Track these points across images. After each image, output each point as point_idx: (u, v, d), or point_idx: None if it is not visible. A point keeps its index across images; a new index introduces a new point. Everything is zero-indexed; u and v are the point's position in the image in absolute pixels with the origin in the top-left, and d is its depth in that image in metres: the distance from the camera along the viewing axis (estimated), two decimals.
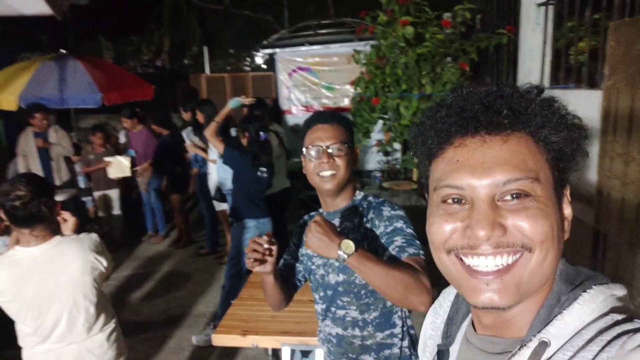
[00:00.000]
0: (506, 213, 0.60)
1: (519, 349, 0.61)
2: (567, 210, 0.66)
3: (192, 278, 4.86)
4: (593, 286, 0.61)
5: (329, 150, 1.50)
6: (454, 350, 0.75)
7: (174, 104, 9.07)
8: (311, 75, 8.26)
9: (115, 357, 2.11)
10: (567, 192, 0.66)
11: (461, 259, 0.62)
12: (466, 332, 0.74)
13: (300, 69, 8.26)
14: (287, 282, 1.68)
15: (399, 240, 1.44)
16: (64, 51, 5.79)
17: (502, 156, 0.60)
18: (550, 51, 3.61)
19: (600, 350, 0.54)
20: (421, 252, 1.42)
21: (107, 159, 5.51)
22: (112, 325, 2.13)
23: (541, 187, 0.60)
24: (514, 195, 0.60)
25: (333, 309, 1.60)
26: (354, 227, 1.56)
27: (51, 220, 1.92)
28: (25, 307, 1.90)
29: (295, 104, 8.38)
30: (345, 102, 7.67)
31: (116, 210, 5.82)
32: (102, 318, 2.06)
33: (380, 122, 4.94)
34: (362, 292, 1.53)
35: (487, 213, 0.59)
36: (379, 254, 1.44)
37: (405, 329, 1.59)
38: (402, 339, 1.57)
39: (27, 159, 5.35)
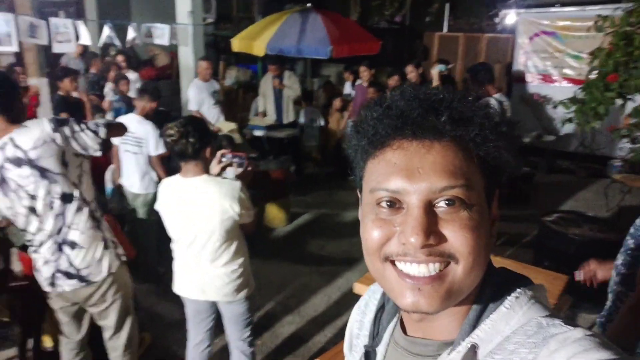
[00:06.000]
0: (440, 221, 0.60)
1: (449, 354, 0.62)
2: (495, 212, 0.66)
3: None
4: (518, 290, 0.63)
5: None
6: (380, 351, 0.74)
7: (410, 60, 9.21)
8: (556, 41, 7.31)
9: (233, 291, 2.34)
10: (496, 195, 0.66)
11: (394, 264, 0.62)
12: (394, 333, 0.73)
13: (545, 32, 7.38)
14: None
15: None
16: (309, 5, 6.42)
17: (440, 162, 0.60)
18: None
19: (528, 353, 0.57)
20: None
21: None
22: (237, 263, 2.34)
23: (476, 194, 0.61)
24: (449, 203, 0.59)
25: None
26: None
27: (200, 158, 2.21)
28: (174, 223, 2.31)
29: (531, 71, 7.60)
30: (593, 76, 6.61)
31: None
32: (225, 255, 2.30)
33: (619, 102, 4.17)
34: None
35: (422, 220, 0.59)
36: None
37: None
38: None
39: (264, 98, 6.32)
